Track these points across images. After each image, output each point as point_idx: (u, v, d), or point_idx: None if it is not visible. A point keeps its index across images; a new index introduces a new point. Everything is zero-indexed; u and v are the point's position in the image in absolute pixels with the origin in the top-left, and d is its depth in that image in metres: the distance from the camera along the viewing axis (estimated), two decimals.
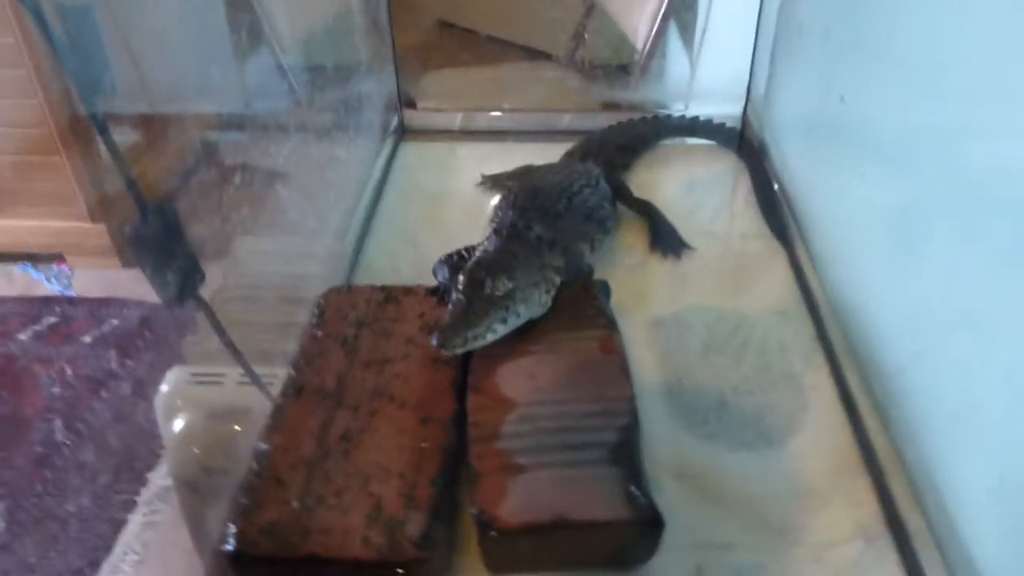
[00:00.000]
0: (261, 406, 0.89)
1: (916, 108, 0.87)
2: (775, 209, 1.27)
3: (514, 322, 0.88)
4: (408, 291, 0.99)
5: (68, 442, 2.07)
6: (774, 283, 1.13)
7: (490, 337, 0.86)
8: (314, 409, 0.84)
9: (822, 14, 1.16)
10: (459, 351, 0.84)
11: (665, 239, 1.18)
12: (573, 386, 0.83)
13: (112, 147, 0.55)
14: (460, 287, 0.88)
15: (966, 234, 0.75)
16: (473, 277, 0.88)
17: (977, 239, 0.73)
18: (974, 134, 0.75)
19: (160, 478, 1.94)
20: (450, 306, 0.87)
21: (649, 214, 1.23)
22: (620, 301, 0.99)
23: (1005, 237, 0.68)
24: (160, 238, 0.63)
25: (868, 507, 0.82)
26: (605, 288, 0.97)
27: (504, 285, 0.87)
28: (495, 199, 1.28)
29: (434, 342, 0.83)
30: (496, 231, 1.02)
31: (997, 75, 0.70)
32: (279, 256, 1.14)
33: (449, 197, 1.35)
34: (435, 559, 0.72)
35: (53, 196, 2.50)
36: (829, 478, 0.85)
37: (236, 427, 0.90)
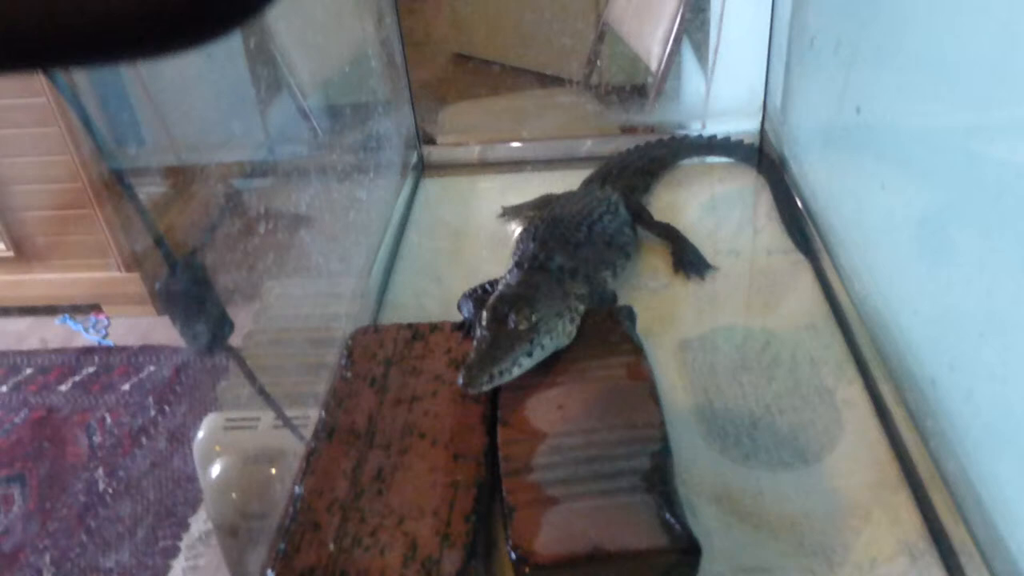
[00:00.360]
0: (295, 448, 0.90)
1: (932, 113, 0.87)
2: (798, 223, 1.27)
3: (540, 354, 0.88)
4: (434, 327, 1.00)
5: (110, 491, 2.10)
6: (801, 298, 1.12)
7: (516, 372, 0.86)
8: (346, 450, 0.85)
9: (833, 26, 1.17)
10: (485, 389, 0.84)
11: (688, 260, 1.18)
12: (602, 414, 0.83)
13: (139, 206, 0.57)
14: (483, 323, 0.89)
15: (991, 238, 0.74)
16: (496, 312, 0.89)
17: (1003, 242, 0.72)
18: (992, 136, 0.74)
19: (200, 523, 1.97)
20: (474, 343, 0.88)
21: (671, 236, 1.23)
22: (646, 325, 0.99)
23: None
24: (189, 291, 0.65)
25: (910, 522, 0.80)
26: (630, 313, 0.97)
27: (527, 318, 0.87)
28: (517, 231, 1.29)
29: (460, 382, 0.83)
30: (518, 264, 1.03)
31: (1010, 75, 0.69)
32: (306, 299, 1.15)
33: (471, 231, 1.36)
34: None
35: (87, 248, 2.57)
36: (869, 494, 0.84)
37: (272, 470, 0.92)
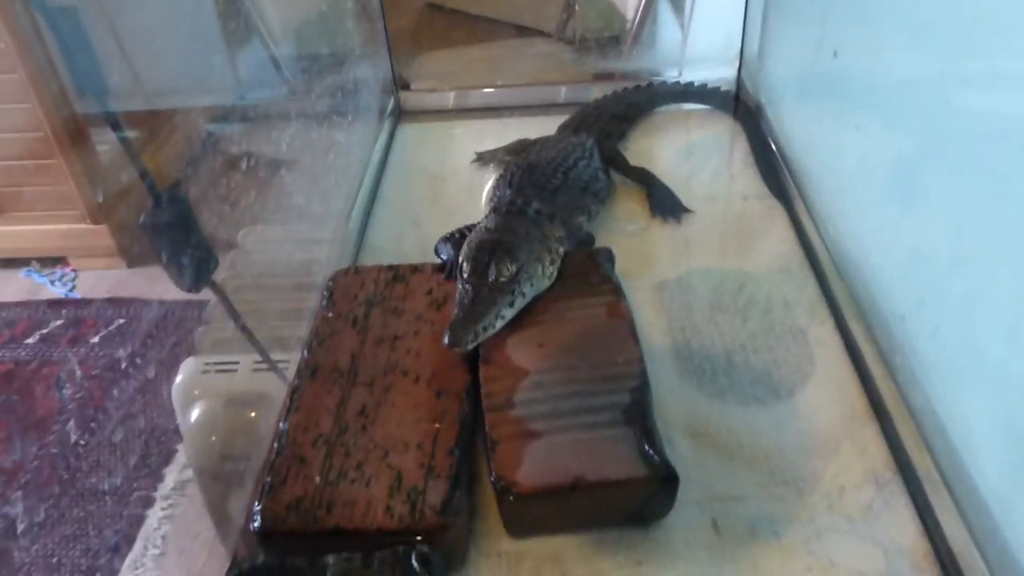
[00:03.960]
0: (277, 390, 0.91)
1: (908, 59, 0.88)
2: (773, 169, 1.29)
3: (521, 302, 0.90)
4: (415, 269, 1.01)
5: (83, 443, 2.10)
6: (776, 242, 1.15)
7: (499, 324, 0.87)
8: (330, 387, 0.86)
9: None
10: (471, 346, 0.85)
11: (665, 204, 1.20)
12: (583, 352, 0.85)
13: (124, 138, 0.57)
14: (464, 275, 0.90)
15: (961, 180, 0.77)
16: (476, 264, 0.89)
17: (971, 184, 0.75)
18: (964, 83, 0.76)
19: (176, 473, 1.97)
20: (457, 298, 0.88)
21: (647, 181, 1.24)
22: (624, 267, 1.00)
23: (997, 180, 0.69)
24: (174, 225, 0.65)
25: (878, 454, 0.84)
26: (609, 255, 0.98)
27: (508, 268, 0.88)
28: (493, 176, 1.29)
29: (445, 341, 0.84)
30: (495, 209, 1.03)
31: (985, 23, 0.71)
32: (287, 242, 1.15)
33: (448, 176, 1.36)
34: (457, 526, 0.74)
35: (53, 199, 2.51)
36: (838, 428, 0.87)
37: (252, 413, 0.93)
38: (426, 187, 1.34)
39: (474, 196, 1.26)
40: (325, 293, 0.99)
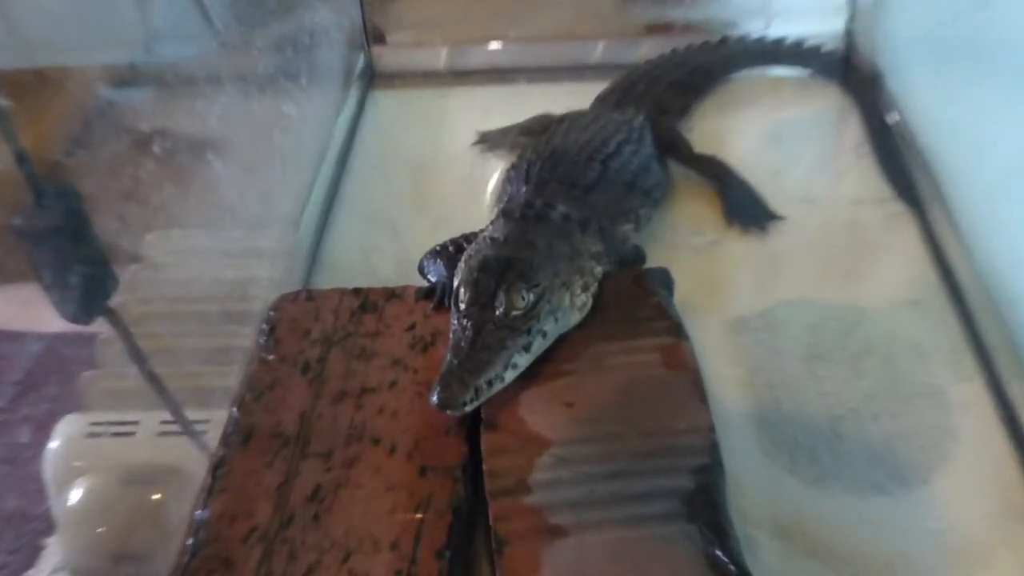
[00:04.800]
0: (194, 463, 0.91)
1: None
2: (898, 162, 1.28)
3: (541, 346, 0.89)
4: (391, 295, 1.01)
5: None
6: (901, 263, 1.14)
7: (510, 376, 0.86)
8: (269, 460, 0.86)
9: None
10: (471, 408, 0.84)
11: (744, 208, 1.19)
12: (628, 416, 0.84)
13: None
14: (462, 306, 0.89)
15: None
16: (479, 290, 0.89)
17: None
18: None
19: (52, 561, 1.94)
20: (451, 337, 0.88)
21: (719, 176, 1.24)
22: (687, 296, 1.00)
23: None
24: (59, 230, 0.65)
25: None
26: (665, 279, 0.98)
27: (524, 297, 0.88)
28: (503, 166, 1.28)
29: (434, 400, 0.83)
30: (505, 212, 1.02)
31: None
32: (212, 254, 1.14)
33: (438, 164, 1.36)
34: None
35: None
36: (990, 529, 0.85)
37: (158, 495, 0.92)
38: (407, 180, 1.33)
39: (475, 193, 1.26)
40: (265, 327, 0.98)
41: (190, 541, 0.80)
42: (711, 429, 0.83)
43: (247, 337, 0.99)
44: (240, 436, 0.88)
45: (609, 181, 1.13)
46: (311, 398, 0.91)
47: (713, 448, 0.81)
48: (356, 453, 0.86)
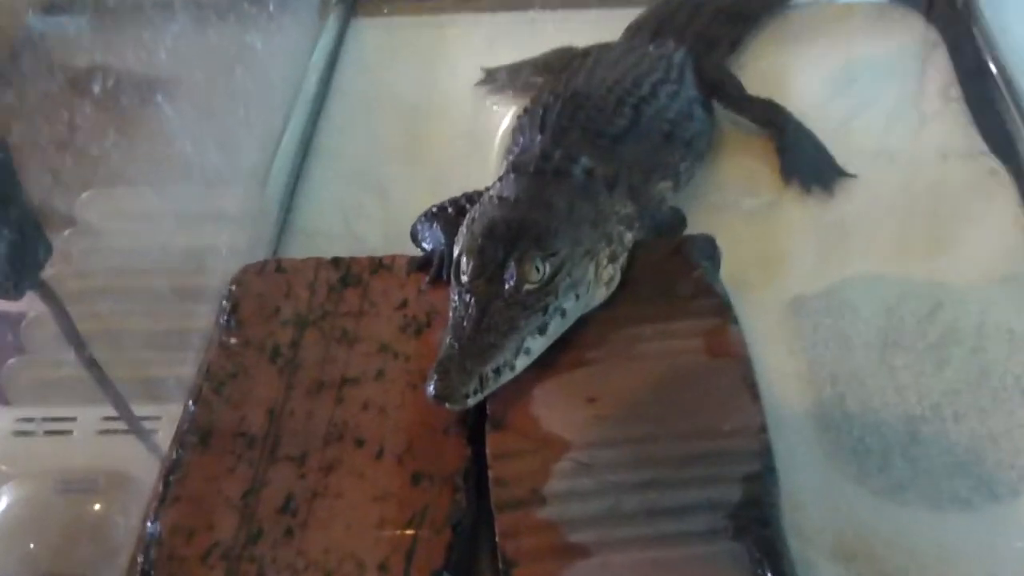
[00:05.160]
0: (143, 467, 0.90)
1: None
2: (995, 109, 1.26)
3: (559, 327, 0.88)
4: (378, 266, 0.99)
5: None
6: (995, 233, 1.11)
7: (521, 364, 0.85)
8: (232, 464, 0.84)
9: None
10: (474, 401, 0.83)
11: (806, 164, 1.17)
12: (664, 413, 0.83)
13: None
14: (464, 279, 0.88)
15: None
16: (485, 259, 0.88)
17: None
18: None
19: None
20: (451, 316, 0.87)
21: (776, 123, 1.22)
22: (736, 270, 0.98)
23: None
24: None
25: None
26: (709, 248, 0.96)
27: (539, 268, 0.86)
28: (512, 111, 1.27)
29: (431, 391, 0.82)
30: (516, 167, 1.01)
31: None
32: (163, 218, 1.13)
33: (435, 108, 1.34)
34: None
35: None
36: None
37: (98, 505, 0.91)
38: (397, 128, 1.32)
39: (479, 144, 1.24)
40: (226, 304, 0.97)
41: (139, 560, 0.79)
42: (763, 430, 0.82)
43: (204, 317, 0.98)
44: (197, 435, 0.87)
45: (642, 129, 1.11)
46: (282, 390, 0.90)
47: (765, 453, 0.80)
48: (336, 456, 0.85)
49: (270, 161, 1.17)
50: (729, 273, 0.96)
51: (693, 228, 1.04)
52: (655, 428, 0.82)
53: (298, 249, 1.13)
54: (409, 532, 0.79)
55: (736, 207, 1.15)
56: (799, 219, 1.13)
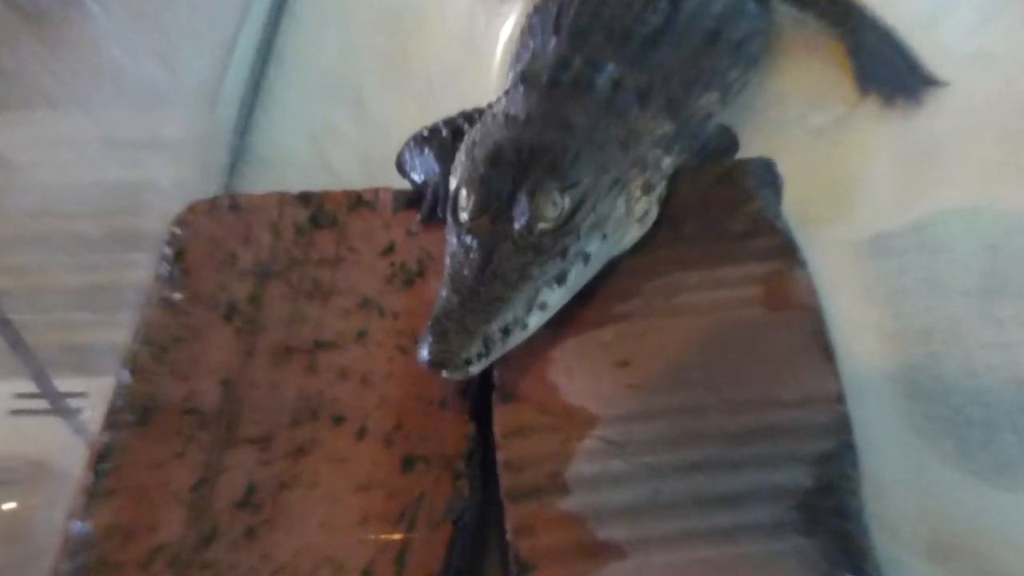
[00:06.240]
0: (68, 452, 0.83)
1: None
2: None
3: (582, 275, 0.79)
4: (356, 202, 0.91)
5: None
6: None
7: (535, 321, 0.77)
8: (179, 449, 0.76)
9: None
10: (477, 369, 0.74)
11: (886, 71, 1.10)
12: (714, 380, 0.75)
13: None
14: (463, 218, 0.80)
15: None
16: (489, 191, 0.79)
17: None
18: None
19: None
20: (448, 263, 0.78)
21: (849, 22, 1.13)
22: (801, 202, 0.89)
23: None
24: None
25: None
26: (768, 175, 0.87)
27: (556, 202, 0.78)
28: (518, 9, 1.17)
29: (424, 356, 0.73)
30: (526, 78, 0.92)
31: None
32: (92, 146, 1.06)
33: (423, 7, 1.25)
34: None
35: None
36: None
37: (13, 503, 0.84)
38: (376, 31, 1.23)
39: (479, 50, 1.15)
40: (168, 251, 0.88)
41: (64, 567, 0.72)
42: (839, 400, 0.74)
43: (142, 268, 0.89)
44: (135, 414, 0.79)
45: (681, 29, 1.00)
46: (240, 356, 0.81)
47: (842, 427, 0.73)
48: (308, 437, 0.77)
49: (221, 73, 1.09)
50: (792, 205, 0.88)
51: (747, 151, 0.95)
52: (702, 398, 0.75)
53: (257, 182, 1.06)
54: (400, 530, 0.73)
55: (800, 124, 1.07)
56: (877, 138, 1.05)
